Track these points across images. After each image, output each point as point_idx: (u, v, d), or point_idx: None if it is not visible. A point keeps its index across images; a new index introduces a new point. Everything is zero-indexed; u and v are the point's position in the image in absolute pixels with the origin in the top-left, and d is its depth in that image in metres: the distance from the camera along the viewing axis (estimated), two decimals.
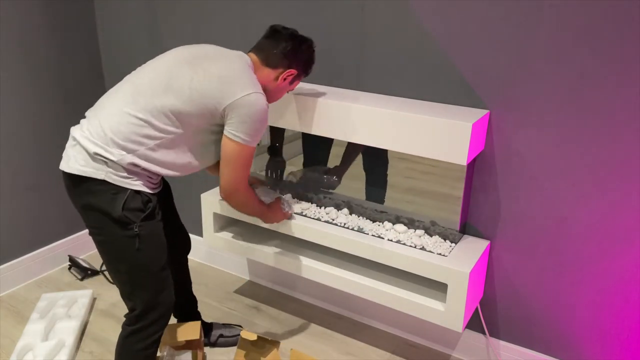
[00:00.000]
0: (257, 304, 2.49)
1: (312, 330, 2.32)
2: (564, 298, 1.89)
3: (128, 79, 1.66)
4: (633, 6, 1.53)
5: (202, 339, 2.10)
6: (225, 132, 1.62)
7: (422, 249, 1.86)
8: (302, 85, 2.06)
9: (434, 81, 1.89)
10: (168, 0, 2.38)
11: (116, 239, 1.58)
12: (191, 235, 2.11)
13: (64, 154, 1.61)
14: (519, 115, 1.78)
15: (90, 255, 2.81)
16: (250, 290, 2.59)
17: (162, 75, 1.60)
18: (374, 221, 2.02)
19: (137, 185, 1.57)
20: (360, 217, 2.04)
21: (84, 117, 1.65)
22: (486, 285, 2.02)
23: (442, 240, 1.90)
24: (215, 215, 2.20)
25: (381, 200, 2.03)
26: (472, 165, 1.87)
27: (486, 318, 2.06)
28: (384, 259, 1.87)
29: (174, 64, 1.63)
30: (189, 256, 2.12)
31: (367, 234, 1.95)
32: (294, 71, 1.73)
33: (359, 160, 2.05)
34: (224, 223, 2.27)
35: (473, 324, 2.10)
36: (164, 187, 1.81)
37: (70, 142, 1.61)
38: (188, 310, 2.13)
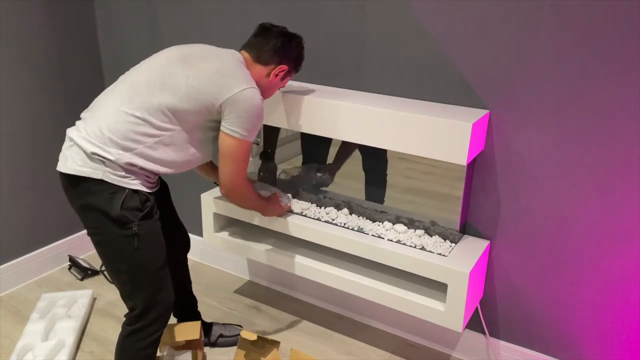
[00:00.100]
0: (257, 304, 2.49)
1: (312, 330, 2.32)
2: (564, 298, 1.89)
3: (123, 79, 1.67)
4: (633, 6, 1.53)
5: (202, 339, 2.10)
6: (222, 128, 1.64)
7: (422, 249, 1.86)
8: (302, 85, 2.06)
9: (434, 81, 1.89)
10: (168, 0, 2.38)
11: (114, 239, 1.58)
12: (191, 236, 2.11)
13: (60, 156, 1.61)
14: (519, 115, 1.78)
15: (90, 255, 2.81)
16: (250, 290, 2.59)
17: (157, 73, 1.62)
18: (374, 221, 2.02)
19: (135, 184, 1.57)
20: (360, 217, 2.04)
21: (80, 118, 1.65)
22: (486, 285, 2.02)
23: (442, 240, 1.90)
24: (215, 215, 2.20)
25: (381, 200, 2.03)
26: (472, 165, 1.87)
27: (486, 318, 2.06)
28: (384, 259, 1.87)
29: (169, 63, 1.64)
30: (189, 256, 2.12)
31: (367, 234, 1.95)
32: (285, 67, 1.76)
33: (358, 160, 2.05)
34: (224, 223, 2.27)
35: (473, 324, 2.10)
36: (162, 186, 1.82)
37: (66, 144, 1.62)
38: (188, 310, 2.14)
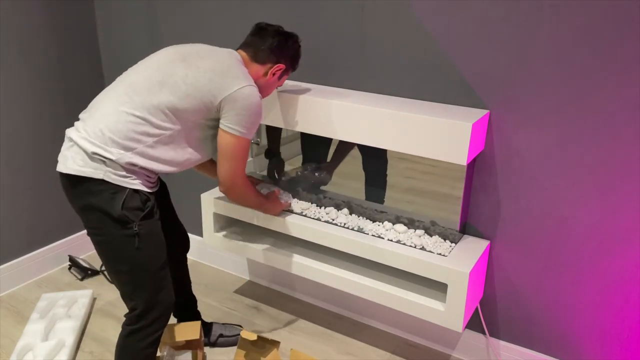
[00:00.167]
0: (257, 304, 2.49)
1: (312, 330, 2.32)
2: (564, 298, 1.89)
3: (121, 79, 1.68)
4: (633, 6, 1.53)
5: (202, 339, 2.10)
6: (221, 126, 1.64)
7: (422, 249, 1.86)
8: (302, 85, 2.06)
9: (434, 81, 1.89)
10: (168, 0, 2.38)
11: (115, 239, 1.58)
12: (191, 235, 2.12)
13: (60, 156, 1.61)
14: (519, 115, 1.78)
15: (90, 255, 2.81)
16: (250, 290, 2.59)
17: (156, 73, 1.62)
18: (374, 221, 2.02)
19: (135, 184, 1.58)
20: (360, 217, 2.04)
21: (78, 119, 1.65)
22: (486, 285, 2.02)
23: (442, 240, 1.90)
24: (215, 215, 2.20)
25: (381, 200, 2.03)
26: (472, 165, 1.87)
27: (486, 318, 2.06)
28: (384, 259, 1.87)
29: (167, 62, 1.65)
30: (189, 256, 2.12)
31: (367, 234, 1.95)
32: (282, 66, 1.76)
33: (358, 160, 2.05)
34: (224, 223, 2.27)
35: (473, 324, 2.10)
36: (161, 186, 1.82)
37: (66, 144, 1.62)
38: (188, 310, 2.14)
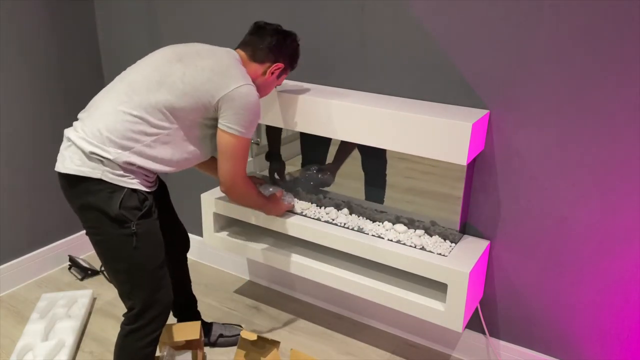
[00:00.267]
0: (257, 304, 2.49)
1: (312, 330, 2.32)
2: (564, 298, 1.89)
3: (120, 78, 1.68)
4: (633, 6, 1.53)
5: (202, 338, 2.10)
6: (219, 125, 1.64)
7: (422, 249, 1.86)
8: (302, 85, 2.06)
9: (434, 81, 1.89)
10: (168, 0, 2.38)
11: (113, 238, 1.58)
12: (191, 235, 2.11)
13: (58, 156, 1.62)
14: (519, 115, 1.78)
15: (90, 255, 2.81)
16: (250, 290, 2.59)
17: (154, 72, 1.62)
18: (373, 221, 2.02)
19: (133, 183, 1.58)
20: (360, 217, 2.04)
21: (77, 119, 1.65)
22: (486, 285, 2.02)
23: (442, 240, 1.90)
24: (215, 215, 2.20)
25: (381, 200, 2.03)
26: (472, 165, 1.87)
27: (486, 318, 2.06)
28: (384, 259, 1.87)
29: (165, 61, 1.65)
30: (189, 256, 2.12)
31: (367, 234, 1.95)
32: (281, 65, 1.76)
33: (358, 160, 2.05)
34: (224, 223, 2.27)
35: (473, 324, 2.10)
36: (160, 186, 1.82)
37: (64, 144, 1.62)
38: (188, 309, 2.14)
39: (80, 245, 2.78)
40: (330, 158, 2.12)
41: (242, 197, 1.86)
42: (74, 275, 2.68)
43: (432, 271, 1.79)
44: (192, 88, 1.59)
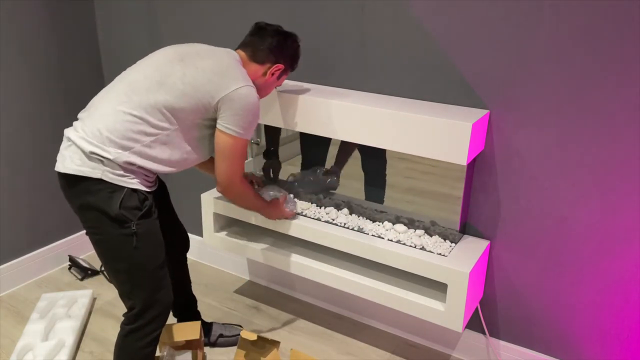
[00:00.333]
0: (257, 304, 2.49)
1: (312, 330, 2.32)
2: (564, 298, 1.89)
3: (120, 78, 1.68)
4: (633, 6, 1.53)
5: (202, 339, 2.10)
6: (218, 126, 1.64)
7: (422, 249, 1.86)
8: (302, 85, 2.06)
9: (434, 81, 1.89)
10: (168, 0, 2.38)
11: (113, 238, 1.58)
12: (191, 235, 2.12)
13: (58, 156, 1.62)
14: (519, 115, 1.78)
15: (90, 255, 2.81)
16: (250, 290, 2.59)
17: (154, 72, 1.62)
18: (373, 221, 2.02)
19: (133, 183, 1.58)
20: (360, 217, 2.04)
21: (77, 119, 1.66)
22: (486, 285, 2.02)
23: (442, 240, 1.90)
24: (215, 215, 2.20)
25: (380, 200, 2.03)
26: (472, 165, 1.87)
27: (486, 318, 2.06)
28: (384, 259, 1.87)
29: (166, 62, 1.65)
30: (189, 256, 2.12)
31: (367, 234, 1.95)
32: (281, 66, 1.76)
33: (357, 160, 2.05)
34: (224, 223, 2.27)
35: (473, 324, 2.10)
36: (160, 186, 1.82)
37: (64, 144, 1.62)
38: (188, 309, 2.14)
39: (80, 245, 2.78)
40: (330, 158, 2.12)
41: (238, 197, 1.86)
42: (74, 275, 2.68)
43: (432, 271, 1.79)
44: (192, 89, 1.59)
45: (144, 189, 1.61)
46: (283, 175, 2.25)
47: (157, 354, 1.88)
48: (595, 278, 1.81)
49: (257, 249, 2.14)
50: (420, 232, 1.93)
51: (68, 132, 1.62)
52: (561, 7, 1.62)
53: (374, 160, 2.01)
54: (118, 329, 1.69)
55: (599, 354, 1.88)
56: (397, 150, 1.78)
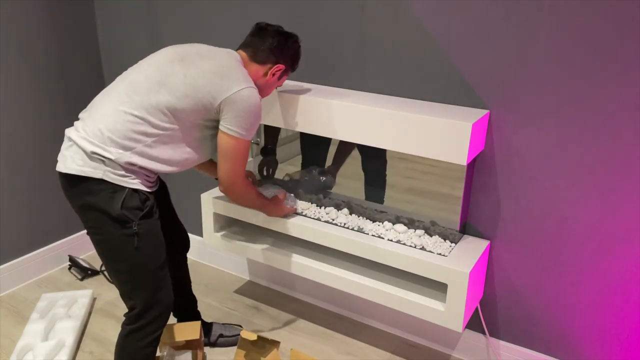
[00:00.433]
0: (257, 304, 2.49)
1: (312, 330, 2.32)
2: (564, 298, 1.89)
3: (121, 78, 1.68)
4: (633, 6, 1.53)
5: (202, 339, 2.10)
6: (220, 127, 1.65)
7: (422, 249, 1.86)
8: (302, 85, 2.06)
9: (434, 81, 1.89)
10: (168, 0, 2.38)
11: (114, 238, 1.58)
12: (191, 235, 2.12)
13: (59, 156, 1.62)
14: (519, 115, 1.78)
15: (90, 255, 2.81)
16: (250, 290, 2.59)
17: (156, 73, 1.62)
18: (373, 221, 2.02)
19: (135, 183, 1.58)
20: (360, 217, 2.04)
21: (78, 119, 1.66)
22: (486, 285, 2.02)
23: (442, 240, 1.90)
24: (215, 215, 2.20)
25: (380, 200, 2.03)
26: (472, 165, 1.87)
27: (486, 318, 2.06)
28: (384, 259, 1.87)
29: (167, 62, 1.65)
30: (189, 256, 2.12)
31: (367, 233, 1.95)
32: (282, 66, 1.76)
33: (358, 160, 2.05)
34: (224, 223, 2.27)
35: (473, 324, 2.10)
36: (161, 186, 1.82)
37: (65, 144, 1.62)
38: (188, 309, 2.14)
39: (80, 245, 2.78)
40: (330, 158, 2.12)
41: (241, 197, 1.86)
42: (74, 275, 2.68)
43: (432, 271, 1.79)
44: (193, 89, 1.59)
45: (145, 189, 1.61)
46: (279, 174, 2.25)
47: (157, 354, 1.88)
48: (595, 278, 1.81)
49: (257, 249, 2.14)
50: (420, 232, 1.93)
51: (69, 132, 1.62)
52: (561, 7, 1.62)
53: (374, 160, 2.01)
54: (118, 329, 1.69)
55: (599, 354, 1.88)
56: (397, 150, 1.78)
